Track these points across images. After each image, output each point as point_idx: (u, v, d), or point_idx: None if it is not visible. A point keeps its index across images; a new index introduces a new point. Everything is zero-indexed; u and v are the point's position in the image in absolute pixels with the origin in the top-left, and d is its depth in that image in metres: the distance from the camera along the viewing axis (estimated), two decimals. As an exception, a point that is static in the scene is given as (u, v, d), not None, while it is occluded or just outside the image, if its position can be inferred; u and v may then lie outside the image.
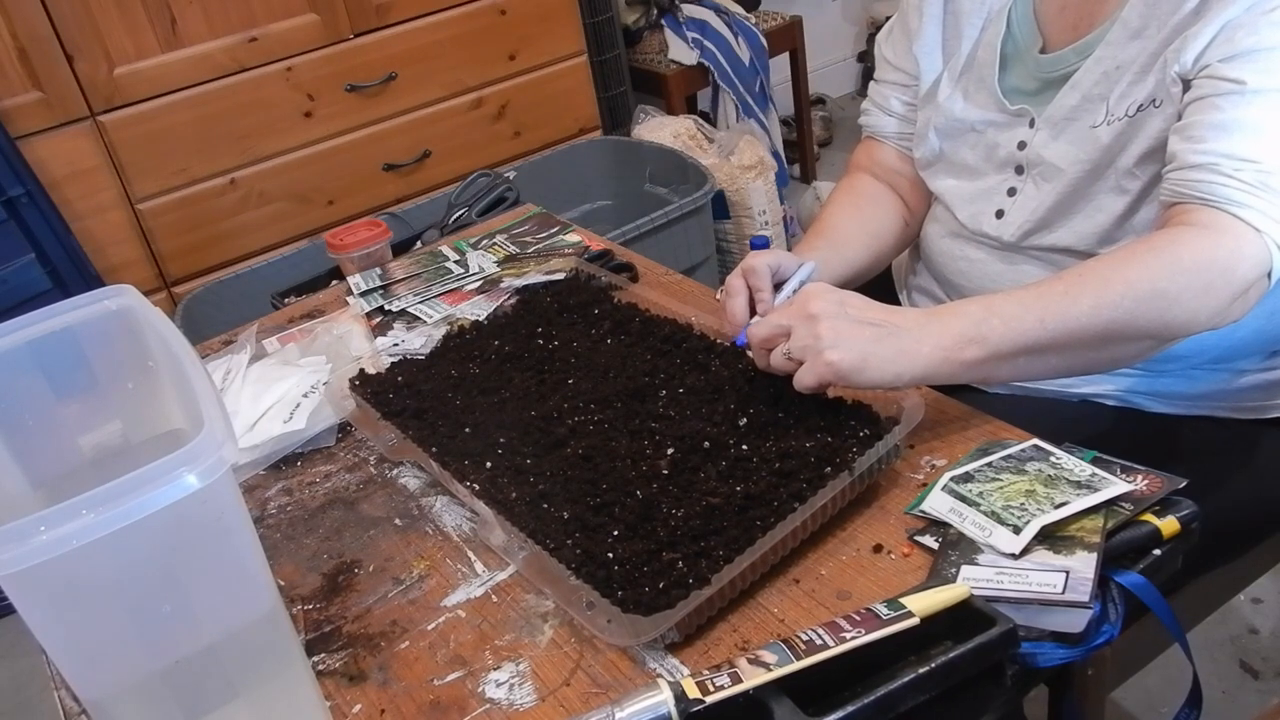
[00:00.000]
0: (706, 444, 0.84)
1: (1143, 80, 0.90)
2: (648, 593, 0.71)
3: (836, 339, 0.80)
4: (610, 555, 0.75)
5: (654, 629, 0.69)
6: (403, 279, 1.30)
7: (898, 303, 1.24)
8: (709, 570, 0.72)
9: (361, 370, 1.05)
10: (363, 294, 1.29)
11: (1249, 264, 0.80)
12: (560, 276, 1.18)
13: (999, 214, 1.03)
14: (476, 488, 0.86)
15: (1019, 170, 1.02)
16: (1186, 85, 0.87)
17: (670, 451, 0.84)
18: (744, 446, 0.83)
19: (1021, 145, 1.01)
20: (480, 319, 1.14)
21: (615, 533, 0.77)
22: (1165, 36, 0.88)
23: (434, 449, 0.91)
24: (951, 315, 0.83)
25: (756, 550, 0.73)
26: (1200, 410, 1.00)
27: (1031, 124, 1.00)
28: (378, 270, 1.34)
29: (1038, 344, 0.81)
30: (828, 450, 0.80)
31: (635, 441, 0.87)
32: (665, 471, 0.82)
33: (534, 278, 1.21)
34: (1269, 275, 0.82)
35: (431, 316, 1.21)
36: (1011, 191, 1.03)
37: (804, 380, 0.82)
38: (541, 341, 1.05)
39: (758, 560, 0.74)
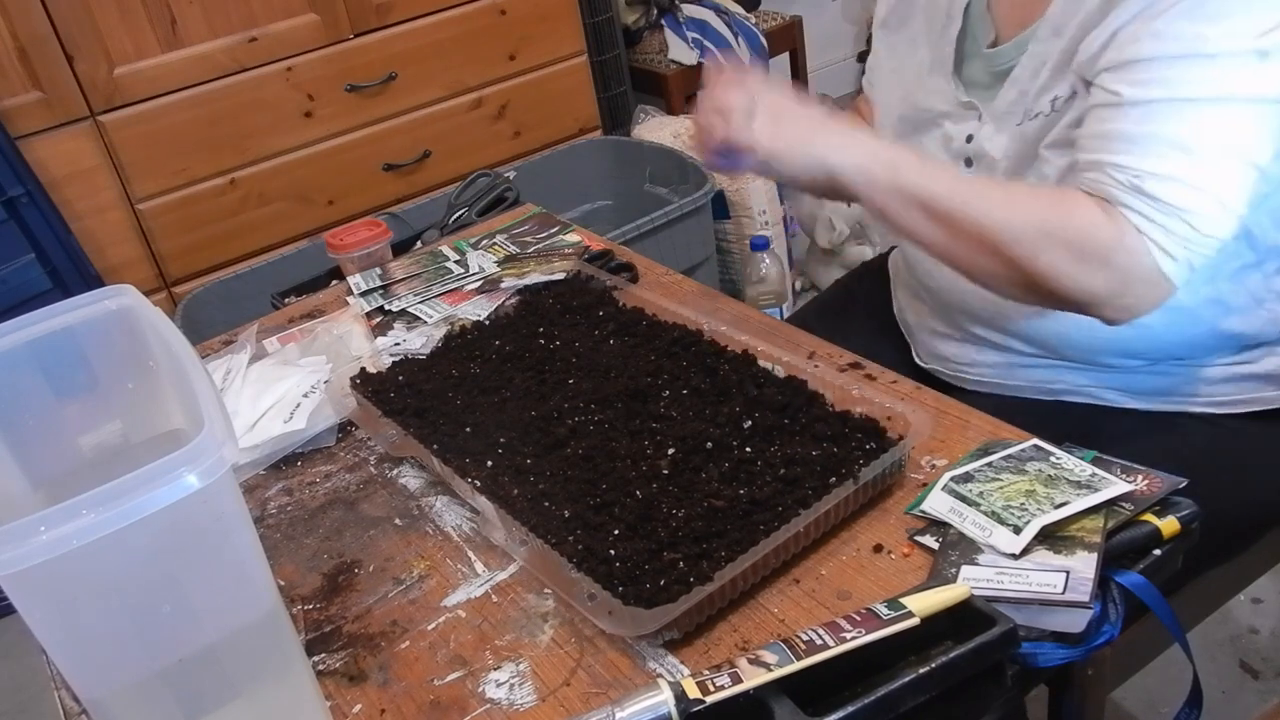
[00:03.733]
0: (709, 444, 0.84)
1: (1060, 76, 0.92)
2: (649, 589, 0.71)
3: (778, 112, 0.90)
4: (611, 553, 0.75)
5: (656, 621, 0.69)
6: (402, 279, 1.30)
7: (891, 301, 1.25)
8: (710, 570, 0.72)
9: (363, 369, 1.06)
10: (362, 294, 1.29)
11: (1126, 255, 0.83)
12: (561, 276, 1.19)
13: None
14: (478, 484, 0.86)
15: (969, 163, 1.04)
16: (1085, 84, 0.89)
17: (671, 451, 0.84)
18: (748, 449, 0.83)
19: (969, 139, 1.03)
20: (481, 319, 1.14)
21: (616, 532, 0.77)
22: (1075, 35, 0.90)
23: (435, 446, 0.91)
24: (883, 141, 0.91)
25: (759, 551, 0.73)
26: (1177, 405, 1.01)
27: (980, 118, 1.01)
28: (377, 270, 1.34)
29: (936, 206, 0.87)
30: (833, 461, 0.80)
31: (635, 442, 0.87)
32: (665, 471, 0.82)
33: (535, 277, 1.21)
34: (1165, 278, 0.83)
35: (432, 316, 1.21)
36: None
37: (720, 131, 0.90)
38: (543, 342, 1.05)
39: (759, 562, 0.74)
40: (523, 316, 1.11)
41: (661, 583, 0.71)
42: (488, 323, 1.13)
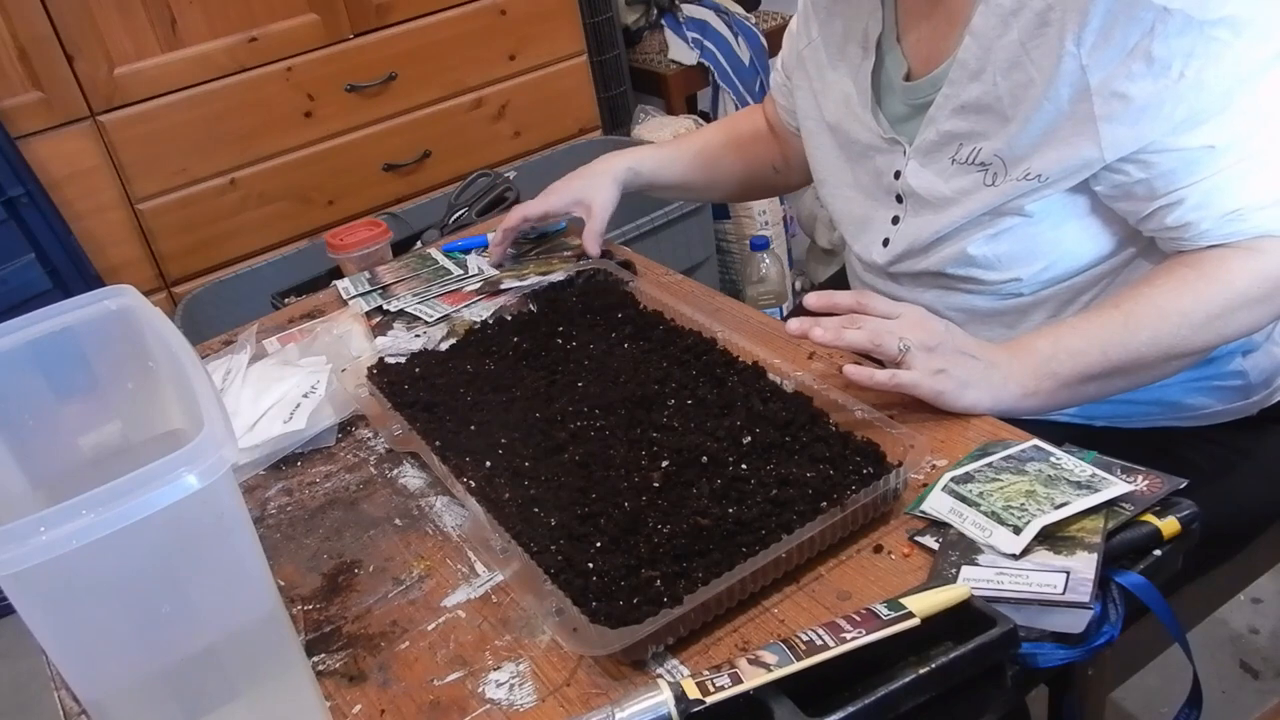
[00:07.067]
0: (704, 459, 0.83)
1: (1028, 161, 0.90)
2: (620, 606, 0.70)
3: (950, 365, 0.87)
4: (590, 566, 0.74)
5: (618, 642, 0.68)
6: (392, 282, 1.30)
7: None
8: (685, 591, 0.71)
9: (381, 359, 1.06)
10: (351, 298, 1.28)
11: None
12: (563, 276, 1.18)
13: (885, 243, 1.05)
14: (472, 485, 0.86)
15: (899, 199, 1.03)
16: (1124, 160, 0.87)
17: (665, 464, 0.83)
18: (743, 466, 0.82)
19: (897, 174, 1.02)
20: (497, 316, 1.15)
21: (598, 544, 0.76)
22: (1009, 91, 0.89)
23: (437, 443, 0.91)
24: (1025, 351, 0.88)
25: (734, 576, 0.72)
26: (1156, 422, 1.02)
27: (905, 152, 1.01)
28: (366, 274, 1.33)
29: (1103, 371, 0.87)
30: (827, 484, 0.78)
31: (633, 451, 0.86)
32: (656, 485, 0.81)
33: (534, 279, 1.21)
34: None
35: (431, 316, 1.21)
36: (895, 220, 1.04)
37: (903, 379, 0.86)
38: (560, 341, 1.05)
39: (735, 586, 0.72)
40: (545, 313, 1.11)
41: (635, 601, 0.71)
42: (509, 318, 1.13)
